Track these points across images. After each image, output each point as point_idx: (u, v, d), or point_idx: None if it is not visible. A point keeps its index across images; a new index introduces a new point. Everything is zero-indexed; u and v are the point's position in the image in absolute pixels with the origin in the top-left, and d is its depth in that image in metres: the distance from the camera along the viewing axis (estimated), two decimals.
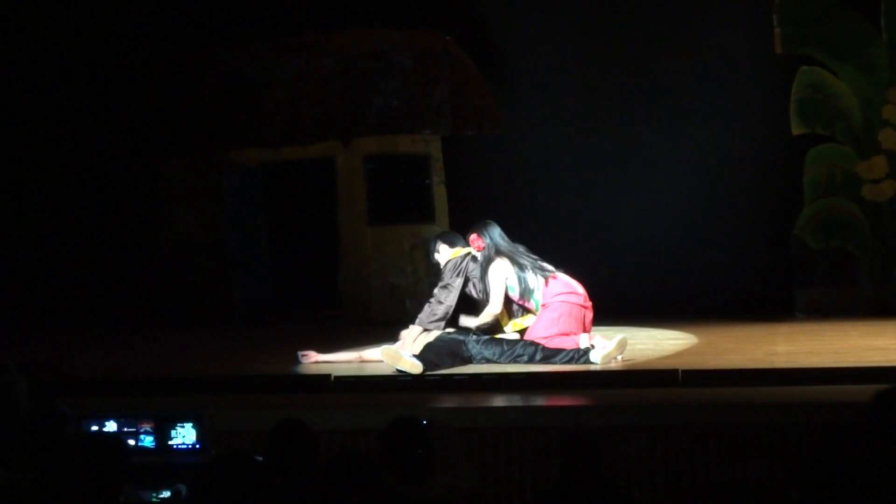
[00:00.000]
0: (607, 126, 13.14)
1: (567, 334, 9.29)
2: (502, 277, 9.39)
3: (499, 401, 8.28)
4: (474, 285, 9.53)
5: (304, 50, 13.19)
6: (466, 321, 9.50)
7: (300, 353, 9.74)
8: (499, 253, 9.46)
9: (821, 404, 7.54)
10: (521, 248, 9.58)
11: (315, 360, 9.69)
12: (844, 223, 12.42)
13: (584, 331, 9.41)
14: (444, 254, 9.68)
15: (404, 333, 9.51)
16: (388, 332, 10.01)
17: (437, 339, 9.27)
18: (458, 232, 9.94)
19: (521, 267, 9.42)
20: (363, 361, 9.61)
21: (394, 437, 5.26)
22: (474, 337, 9.30)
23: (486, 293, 9.43)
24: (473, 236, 9.54)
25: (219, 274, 13.21)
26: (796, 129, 12.48)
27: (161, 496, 5.79)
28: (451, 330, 9.46)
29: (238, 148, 13.29)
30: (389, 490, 4.73)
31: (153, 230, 13.46)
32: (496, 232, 9.54)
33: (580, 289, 9.46)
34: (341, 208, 13.14)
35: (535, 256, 9.55)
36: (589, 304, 9.48)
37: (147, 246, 13.46)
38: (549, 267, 9.52)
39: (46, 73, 13.57)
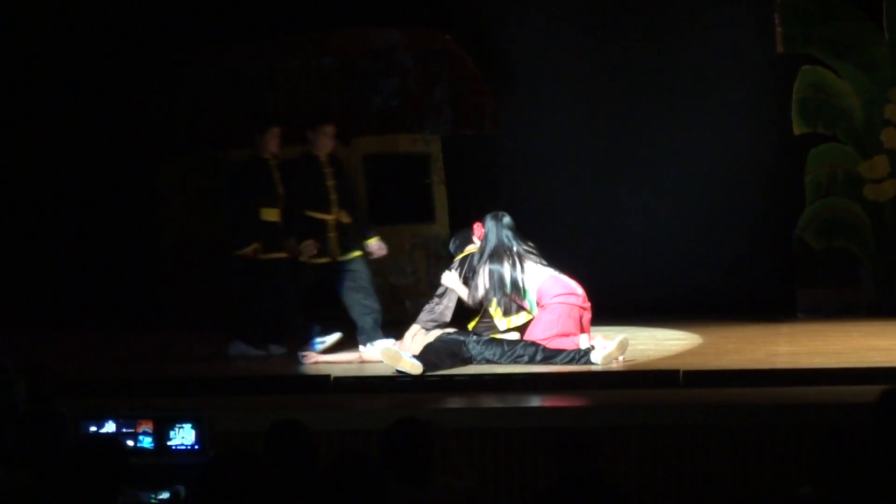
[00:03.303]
0: (608, 126, 13.12)
1: (566, 335, 9.28)
2: (484, 275, 9.38)
3: (499, 401, 8.26)
4: (465, 280, 9.53)
5: (304, 50, 13.16)
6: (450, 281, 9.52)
7: (300, 353, 9.72)
8: (494, 249, 9.46)
9: (822, 405, 7.53)
10: (527, 246, 9.56)
11: (315, 361, 9.68)
12: (846, 223, 12.40)
13: (583, 331, 9.39)
14: (456, 253, 9.79)
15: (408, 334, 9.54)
16: (388, 333, 9.98)
17: (438, 339, 9.25)
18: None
19: (514, 264, 9.40)
20: (363, 362, 9.60)
21: (396, 438, 5.25)
22: (475, 337, 9.29)
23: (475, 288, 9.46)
24: (477, 224, 9.61)
25: (219, 274, 13.18)
26: (798, 129, 12.45)
27: (160, 497, 5.78)
28: (451, 330, 9.45)
29: (238, 148, 13.26)
30: (392, 491, 4.72)
31: (153, 230, 13.43)
32: (501, 225, 9.53)
33: (579, 289, 9.44)
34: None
35: (537, 255, 9.54)
36: (587, 304, 9.46)
37: (147, 246, 13.43)
38: (549, 267, 9.50)
39: (46, 73, 13.55)
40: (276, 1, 13.19)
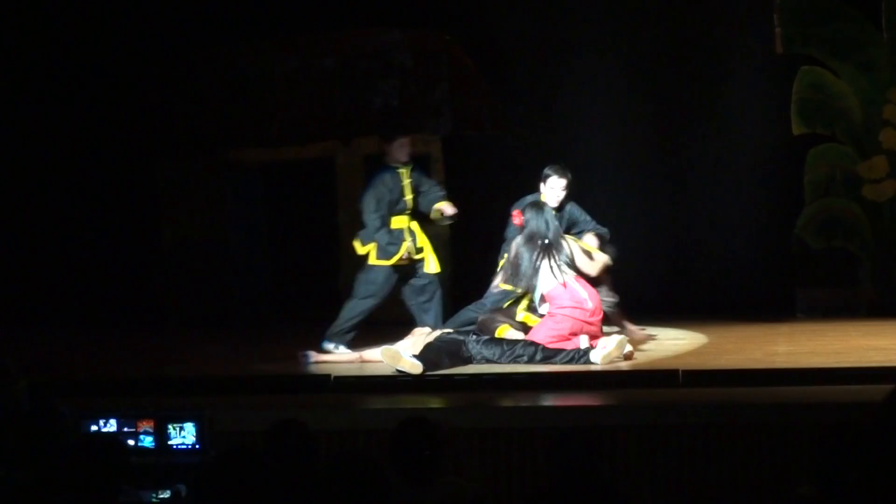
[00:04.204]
0: (607, 126, 13.12)
1: (567, 338, 9.31)
2: (513, 251, 9.49)
3: (499, 401, 8.28)
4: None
5: (304, 50, 13.16)
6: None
7: (307, 353, 9.71)
8: (530, 235, 9.48)
9: (821, 404, 7.54)
10: (560, 241, 9.53)
11: (316, 360, 9.70)
12: (845, 223, 12.41)
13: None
14: None
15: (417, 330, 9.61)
16: (388, 333, 10.00)
17: (438, 339, 9.28)
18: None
19: (538, 256, 9.42)
20: (363, 361, 9.61)
21: (403, 437, 5.26)
22: (474, 337, 9.31)
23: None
24: (516, 212, 9.62)
25: (219, 274, 13.20)
26: (797, 129, 12.47)
27: (161, 496, 5.80)
28: (450, 330, 9.48)
29: (238, 148, 13.28)
30: (398, 490, 4.73)
31: (153, 230, 13.44)
32: (540, 217, 9.54)
33: (589, 303, 9.39)
34: (341, 208, 13.13)
35: (563, 255, 9.50)
36: (594, 318, 9.41)
37: (147, 246, 13.44)
38: (569, 272, 9.46)
39: (47, 73, 13.56)
40: (277, 1, 13.20)
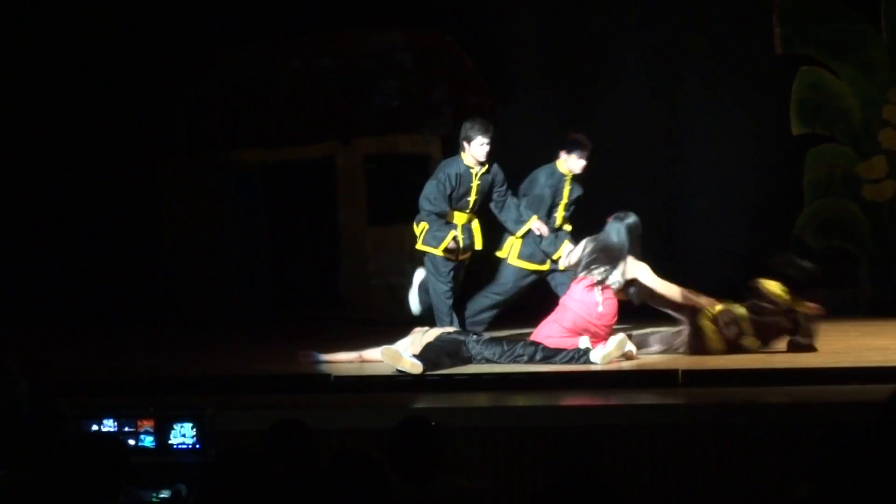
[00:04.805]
0: (606, 125, 13.12)
1: (567, 336, 9.33)
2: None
3: (499, 401, 8.28)
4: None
5: (304, 50, 13.18)
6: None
7: (314, 353, 9.70)
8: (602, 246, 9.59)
9: (820, 404, 7.55)
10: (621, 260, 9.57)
11: (316, 360, 9.70)
12: (844, 223, 12.42)
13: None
14: None
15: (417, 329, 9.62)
16: (388, 332, 10.00)
17: (438, 338, 9.29)
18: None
19: (606, 260, 9.50)
20: (363, 361, 9.61)
21: (402, 437, 5.27)
22: (474, 337, 9.34)
23: None
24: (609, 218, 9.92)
25: (219, 274, 13.20)
26: (796, 129, 12.48)
27: (161, 496, 5.81)
28: (451, 330, 9.50)
29: (238, 148, 13.28)
30: (398, 489, 4.74)
31: (153, 230, 13.45)
32: (620, 224, 9.71)
33: (600, 307, 9.41)
34: (341, 208, 13.13)
35: (608, 270, 9.52)
36: (601, 322, 9.39)
37: (147, 246, 13.45)
38: (596, 278, 9.49)
39: (47, 74, 13.56)
40: (277, 2, 13.21)
